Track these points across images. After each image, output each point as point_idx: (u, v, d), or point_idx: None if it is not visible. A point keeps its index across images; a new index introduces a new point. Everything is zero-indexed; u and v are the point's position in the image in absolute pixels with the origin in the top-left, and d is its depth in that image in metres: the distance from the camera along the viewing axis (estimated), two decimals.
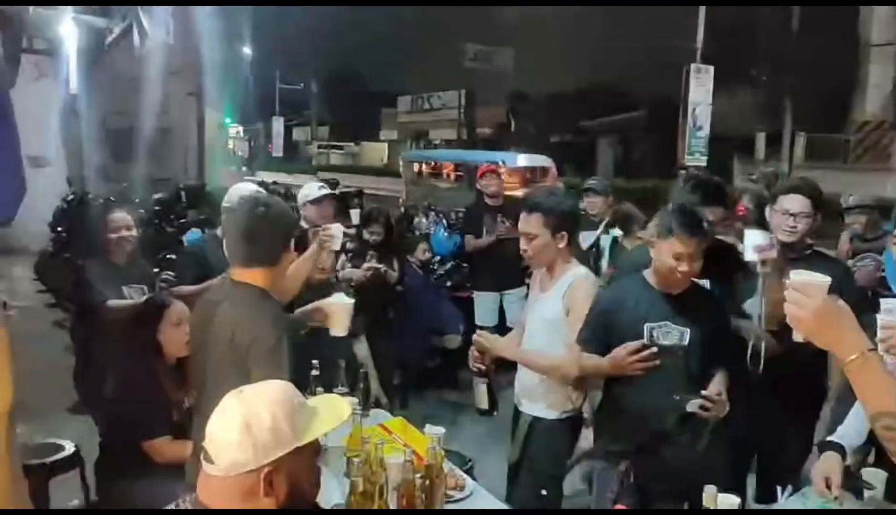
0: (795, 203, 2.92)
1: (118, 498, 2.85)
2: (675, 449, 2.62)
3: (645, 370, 2.59)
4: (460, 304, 6.05)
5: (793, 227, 2.91)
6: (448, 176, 15.17)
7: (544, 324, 2.90)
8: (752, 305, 2.90)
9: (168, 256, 6.35)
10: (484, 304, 5.85)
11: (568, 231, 2.84)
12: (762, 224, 3.08)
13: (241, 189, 3.87)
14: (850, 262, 4.65)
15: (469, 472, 2.83)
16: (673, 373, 2.60)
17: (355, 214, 5.46)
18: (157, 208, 8.67)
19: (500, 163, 10.61)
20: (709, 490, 2.16)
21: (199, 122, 14.53)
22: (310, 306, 2.86)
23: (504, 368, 3.17)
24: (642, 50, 26.08)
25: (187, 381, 2.76)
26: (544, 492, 2.85)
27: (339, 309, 2.85)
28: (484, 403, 3.07)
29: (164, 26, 10.23)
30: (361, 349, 3.78)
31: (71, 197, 8.99)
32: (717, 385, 2.60)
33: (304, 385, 2.68)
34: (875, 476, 2.26)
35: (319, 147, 45.88)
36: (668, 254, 2.55)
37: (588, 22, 31.48)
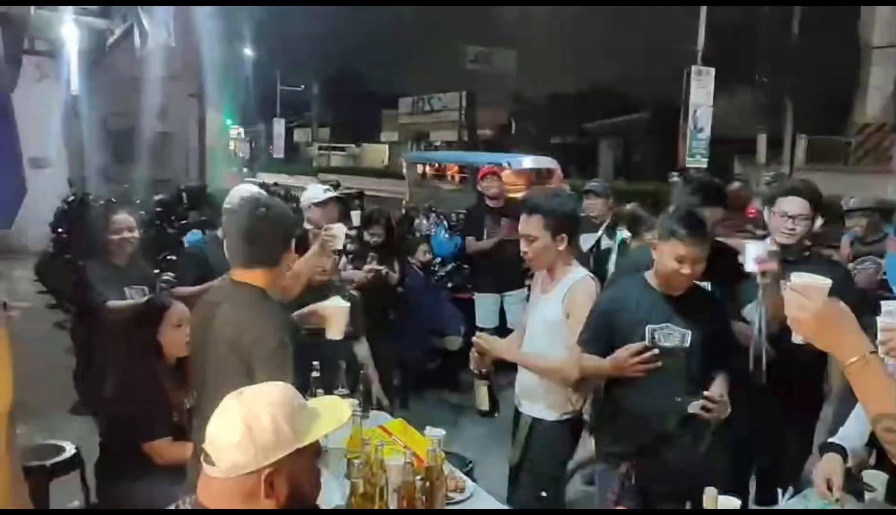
0: (794, 205, 2.92)
1: (118, 500, 2.85)
2: (676, 451, 2.62)
3: (646, 372, 2.59)
4: (461, 306, 6.05)
5: (791, 229, 2.91)
6: (452, 178, 15.12)
7: (545, 326, 2.90)
8: (751, 312, 2.90)
9: (169, 257, 6.34)
10: (484, 306, 5.85)
11: (568, 233, 2.84)
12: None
13: (242, 190, 3.87)
14: (850, 265, 4.66)
15: (469, 474, 2.83)
16: (674, 375, 2.60)
17: (356, 216, 5.45)
18: (158, 209, 8.67)
19: (506, 164, 10.59)
20: (709, 493, 2.16)
21: (200, 124, 14.52)
22: (306, 309, 2.86)
23: (504, 369, 3.17)
24: (643, 52, 26.10)
25: (188, 382, 2.76)
26: (544, 494, 2.84)
27: (335, 313, 2.85)
28: (485, 405, 3.07)
29: (164, 28, 10.23)
30: (362, 350, 3.77)
31: (72, 198, 8.99)
32: (718, 386, 2.60)
33: (304, 386, 2.68)
34: (876, 479, 2.26)
35: (320, 148, 45.93)
36: (669, 257, 2.55)
37: (589, 24, 31.51)
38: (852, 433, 2.36)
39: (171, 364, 2.99)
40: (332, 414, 1.53)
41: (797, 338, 1.50)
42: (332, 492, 2.23)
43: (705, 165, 14.52)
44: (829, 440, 2.40)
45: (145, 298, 3.68)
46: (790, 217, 2.91)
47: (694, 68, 14.70)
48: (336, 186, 6.00)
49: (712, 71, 14.76)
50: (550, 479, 2.90)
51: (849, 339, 1.44)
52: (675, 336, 2.61)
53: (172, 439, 2.83)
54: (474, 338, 3.06)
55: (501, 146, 28.06)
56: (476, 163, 11.27)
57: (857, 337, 1.45)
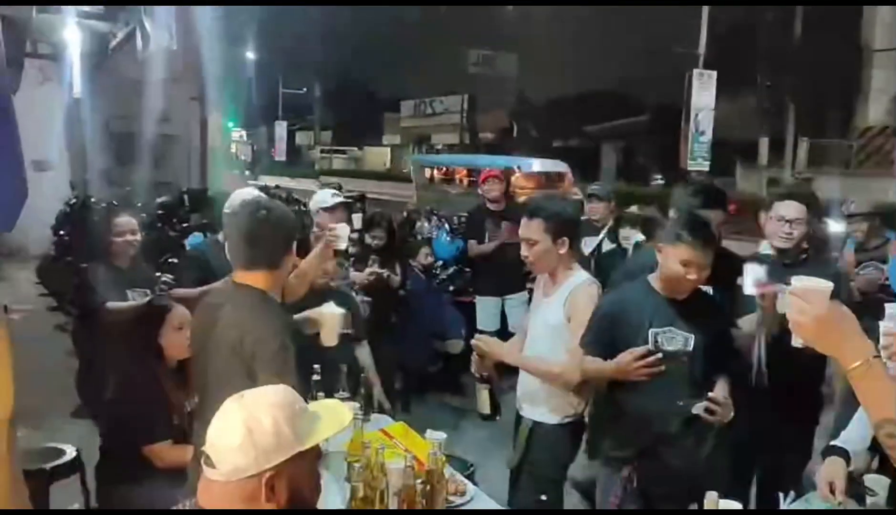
0: (791, 209, 2.92)
1: (118, 503, 2.85)
2: (678, 454, 2.61)
3: (650, 375, 2.58)
4: (463, 309, 6.05)
5: (788, 234, 2.92)
6: (460, 181, 15.01)
7: (547, 330, 2.90)
8: (746, 322, 2.89)
9: (170, 260, 6.34)
10: (486, 309, 5.84)
11: (569, 236, 2.83)
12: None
13: (243, 193, 3.87)
14: (855, 271, 4.68)
15: (471, 478, 2.83)
16: (677, 379, 2.60)
17: (357, 219, 5.44)
18: (159, 212, 8.67)
19: (516, 168, 10.57)
20: (710, 497, 2.15)
21: (202, 126, 14.53)
22: (300, 315, 2.86)
23: (506, 373, 3.17)
24: (645, 55, 26.11)
25: (188, 385, 2.76)
26: (544, 497, 2.84)
27: (329, 319, 2.85)
28: (486, 408, 3.07)
29: (166, 31, 10.26)
30: (363, 353, 3.77)
31: (74, 200, 9.00)
32: (721, 389, 2.59)
33: (304, 389, 2.68)
34: (878, 483, 2.25)
35: (322, 151, 45.94)
36: (674, 261, 2.54)
37: (591, 27, 31.49)
38: (855, 436, 2.35)
39: (172, 366, 2.99)
40: (334, 417, 1.53)
41: (797, 342, 1.50)
42: (333, 496, 2.23)
43: (707, 168, 14.54)
44: (832, 443, 2.39)
45: (145, 300, 3.68)
46: (787, 221, 2.91)
47: (696, 71, 14.74)
48: (338, 189, 6.00)
49: (714, 74, 14.80)
50: (551, 483, 2.90)
51: (851, 343, 1.43)
52: (679, 339, 2.61)
53: (173, 442, 2.83)
54: (473, 341, 3.06)
55: (503, 149, 28.08)
56: (486, 166, 11.18)
57: (859, 341, 1.44)
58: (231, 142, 36.31)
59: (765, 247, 3.10)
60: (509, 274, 5.57)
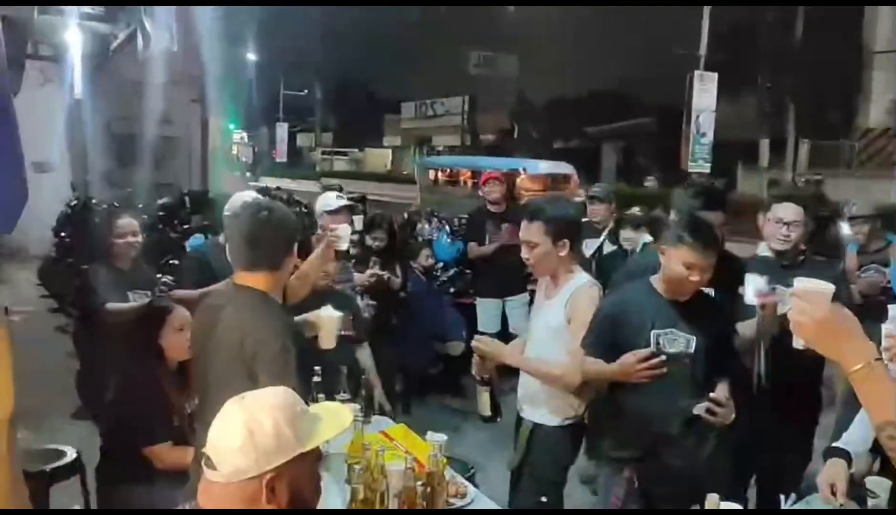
0: (789, 211, 2.92)
1: (119, 504, 2.84)
2: (679, 454, 2.61)
3: (652, 378, 2.58)
4: (463, 311, 6.04)
5: (786, 236, 2.91)
6: (465, 183, 14.94)
7: (548, 332, 2.89)
8: (744, 328, 2.89)
9: (171, 261, 6.34)
10: (486, 311, 5.84)
11: (570, 239, 2.83)
12: (811, 234, 3.08)
13: (244, 196, 3.87)
14: (857, 275, 4.68)
15: (471, 479, 2.83)
16: (679, 381, 2.60)
17: (358, 220, 5.44)
18: (160, 213, 8.67)
19: (522, 170, 10.53)
20: (711, 499, 2.15)
21: (203, 128, 14.53)
22: (298, 318, 2.86)
23: (507, 374, 3.17)
24: (646, 56, 26.13)
25: (189, 386, 2.76)
26: (544, 499, 2.84)
27: (327, 322, 2.85)
28: (487, 410, 3.06)
29: (167, 32, 10.26)
30: (364, 355, 3.77)
31: (75, 202, 8.98)
32: (722, 390, 2.59)
33: (305, 391, 2.68)
34: (879, 485, 2.25)
35: (323, 153, 45.97)
36: (677, 263, 2.54)
37: (592, 28, 31.52)
38: (856, 438, 2.35)
39: (173, 368, 2.99)
40: (334, 419, 1.53)
41: (798, 343, 1.49)
42: (333, 497, 2.23)
43: (708, 170, 14.54)
44: (833, 445, 2.39)
45: (146, 301, 3.68)
46: (785, 223, 2.91)
47: (696, 73, 14.74)
48: (339, 191, 5.99)
49: (715, 75, 14.80)
50: (551, 484, 2.90)
51: (853, 346, 1.42)
52: (681, 341, 2.61)
53: (173, 443, 2.83)
54: (474, 342, 3.05)
55: (504, 150, 28.06)
56: (492, 167, 11.12)
57: (861, 344, 1.43)
58: (232, 144, 36.30)
59: (763, 249, 3.10)
60: (510, 276, 5.57)
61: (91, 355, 4.24)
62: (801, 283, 1.47)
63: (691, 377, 2.61)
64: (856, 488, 2.27)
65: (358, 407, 2.79)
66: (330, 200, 4.21)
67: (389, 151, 45.54)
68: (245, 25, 32.47)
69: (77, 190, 10.05)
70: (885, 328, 1.93)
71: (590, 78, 33.26)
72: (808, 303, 1.44)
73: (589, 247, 5.28)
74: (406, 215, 8.80)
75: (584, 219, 5.18)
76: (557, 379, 2.82)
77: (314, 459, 1.49)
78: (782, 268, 2.86)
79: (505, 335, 5.10)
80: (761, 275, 2.75)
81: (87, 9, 10.69)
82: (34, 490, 2.43)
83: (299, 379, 2.13)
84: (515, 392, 3.07)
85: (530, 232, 2.83)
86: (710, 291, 2.79)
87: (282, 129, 36.38)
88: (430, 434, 2.54)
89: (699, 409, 2.52)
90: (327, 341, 2.85)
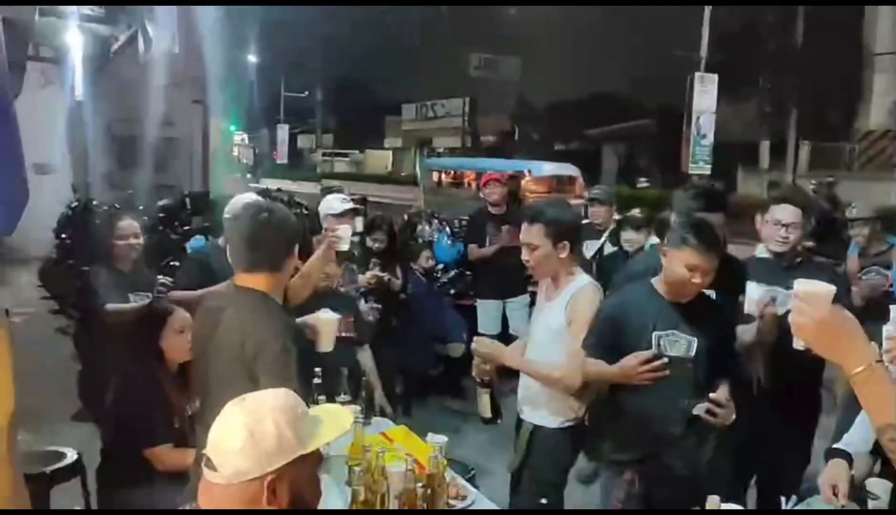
0: (787, 213, 2.93)
1: (119, 506, 2.85)
2: (680, 456, 2.61)
3: (653, 380, 2.58)
4: (464, 312, 6.04)
5: (785, 238, 2.92)
6: (469, 185, 14.91)
7: (549, 334, 2.89)
8: (743, 332, 2.89)
9: (172, 263, 6.35)
10: (487, 312, 5.84)
11: (570, 241, 2.83)
12: (822, 236, 3.09)
13: (244, 198, 3.88)
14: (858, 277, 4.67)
15: (471, 481, 2.83)
16: (679, 382, 2.60)
17: (359, 222, 5.44)
18: (161, 215, 8.68)
19: (526, 171, 10.51)
20: (712, 500, 2.15)
21: (204, 130, 14.55)
22: (299, 320, 2.86)
23: (507, 376, 3.17)
24: (647, 58, 26.14)
25: (190, 388, 2.76)
26: (545, 500, 2.83)
27: (325, 325, 2.85)
28: (487, 412, 3.06)
29: (168, 34, 10.26)
30: (365, 357, 3.77)
31: (75, 203, 8.99)
32: (723, 390, 2.59)
33: (306, 393, 2.68)
34: (880, 487, 2.25)
35: (324, 154, 45.96)
36: (680, 265, 2.54)
37: (593, 31, 31.53)
38: (857, 439, 2.35)
39: (174, 369, 2.99)
40: (335, 421, 1.53)
41: (798, 344, 1.49)
42: (334, 499, 2.23)
43: (708, 171, 14.53)
44: (834, 446, 2.39)
45: (146, 302, 3.69)
46: (783, 225, 2.91)
47: (697, 75, 14.74)
48: (342, 192, 5.99)
49: (715, 77, 14.80)
50: (551, 486, 2.89)
51: (854, 348, 1.42)
52: (682, 343, 2.61)
53: (173, 445, 2.83)
54: (474, 344, 3.05)
55: (504, 152, 28.05)
56: (496, 169, 11.10)
57: (862, 346, 1.43)
58: (233, 146, 36.35)
59: (761, 251, 3.10)
60: (510, 278, 5.57)
61: (92, 357, 4.24)
62: (801, 284, 1.47)
63: (692, 378, 2.61)
64: (856, 490, 2.27)
65: (358, 408, 2.80)
66: (335, 204, 4.21)
67: (390, 153, 45.53)
68: (246, 27, 32.52)
69: (78, 191, 10.06)
70: (887, 329, 1.93)
71: (590, 80, 33.25)
72: (808, 304, 1.43)
73: (590, 248, 5.28)
74: (406, 217, 8.80)
75: (584, 221, 5.20)
76: (558, 381, 2.82)
77: (315, 461, 1.49)
78: (782, 270, 2.86)
79: (505, 336, 5.09)
80: (761, 281, 2.75)
81: (87, 10, 10.70)
82: (34, 492, 2.43)
83: (300, 380, 2.13)
84: (516, 393, 3.07)
85: (531, 234, 2.83)
86: (711, 293, 2.79)
87: (282, 131, 36.37)
88: (430, 436, 2.54)
89: (699, 410, 2.52)
90: (325, 345, 2.85)
